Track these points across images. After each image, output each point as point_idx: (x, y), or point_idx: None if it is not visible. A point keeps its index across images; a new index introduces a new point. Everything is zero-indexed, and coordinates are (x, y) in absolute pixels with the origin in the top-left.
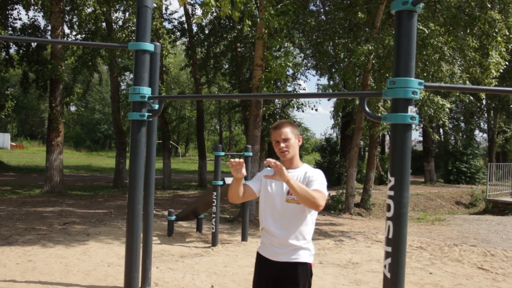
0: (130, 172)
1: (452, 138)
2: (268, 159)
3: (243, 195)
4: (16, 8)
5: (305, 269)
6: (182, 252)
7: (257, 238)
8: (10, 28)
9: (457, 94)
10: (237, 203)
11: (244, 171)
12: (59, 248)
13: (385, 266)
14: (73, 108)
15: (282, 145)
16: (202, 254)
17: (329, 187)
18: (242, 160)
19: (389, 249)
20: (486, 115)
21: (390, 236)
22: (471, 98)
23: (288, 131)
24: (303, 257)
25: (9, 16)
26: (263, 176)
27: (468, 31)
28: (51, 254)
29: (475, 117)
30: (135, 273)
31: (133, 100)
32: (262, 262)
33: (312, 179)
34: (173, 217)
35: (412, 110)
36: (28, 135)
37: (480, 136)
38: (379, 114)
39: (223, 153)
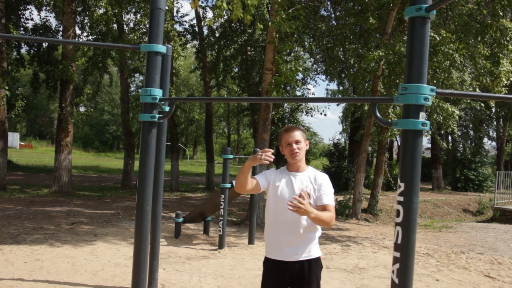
0: (139, 173)
1: (461, 145)
2: (294, 199)
3: (250, 187)
4: (28, 8)
5: (318, 263)
6: (189, 254)
7: (263, 242)
8: (22, 28)
9: (468, 101)
10: (242, 193)
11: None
12: (66, 247)
13: (393, 272)
14: (82, 109)
15: (294, 146)
16: (209, 256)
17: (337, 192)
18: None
19: (398, 254)
20: (495, 123)
21: (399, 241)
22: (482, 104)
23: (299, 134)
24: (314, 252)
25: (21, 16)
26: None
27: (479, 38)
28: (58, 253)
29: (484, 125)
30: (142, 274)
31: (144, 101)
32: (273, 265)
33: (323, 191)
34: (181, 219)
35: (423, 116)
36: (37, 135)
37: (488, 144)
38: (390, 120)
39: (231, 156)
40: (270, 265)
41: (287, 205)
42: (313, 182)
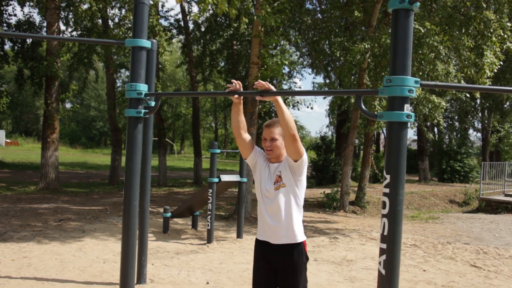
0: (126, 168)
1: (447, 137)
2: (257, 82)
3: (244, 136)
4: (11, 4)
5: (301, 247)
6: (177, 249)
7: (252, 235)
8: (5, 24)
9: (454, 92)
10: (238, 134)
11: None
12: (54, 244)
13: (380, 263)
14: (68, 105)
15: (268, 144)
16: (197, 251)
17: (324, 185)
18: (238, 82)
19: (384, 246)
20: (480, 115)
21: (385, 233)
22: (468, 95)
23: (276, 131)
24: (298, 237)
25: (4, 12)
26: (257, 155)
27: (463, 30)
28: (46, 250)
29: (469, 116)
30: (131, 269)
31: (129, 96)
32: (260, 246)
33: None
34: (169, 214)
35: (408, 108)
36: (23, 131)
37: (474, 135)
38: (375, 113)
39: (219, 151)
40: (256, 246)
41: (266, 188)
42: (286, 159)
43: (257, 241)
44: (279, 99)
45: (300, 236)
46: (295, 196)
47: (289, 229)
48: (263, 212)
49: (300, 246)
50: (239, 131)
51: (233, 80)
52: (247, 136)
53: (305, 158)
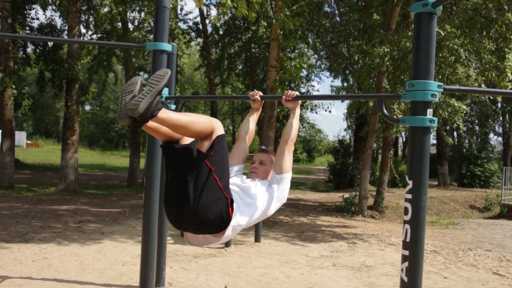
0: (146, 172)
1: (466, 141)
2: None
3: (242, 149)
4: (34, 8)
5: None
6: (195, 252)
7: (270, 239)
8: (27, 28)
9: (475, 95)
10: (242, 138)
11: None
12: (74, 246)
13: (402, 270)
14: (87, 107)
15: (255, 165)
16: (215, 254)
17: (342, 189)
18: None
19: (406, 252)
20: (501, 119)
21: (408, 239)
22: (491, 97)
23: (268, 159)
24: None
25: (27, 15)
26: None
27: (484, 33)
28: (66, 252)
29: (490, 120)
30: (150, 272)
31: None
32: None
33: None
34: None
35: (430, 113)
36: (43, 133)
37: (494, 140)
38: (395, 117)
39: None
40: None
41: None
42: (268, 181)
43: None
44: (298, 110)
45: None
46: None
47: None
48: None
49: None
50: (244, 136)
51: (255, 92)
52: (246, 147)
53: (288, 177)
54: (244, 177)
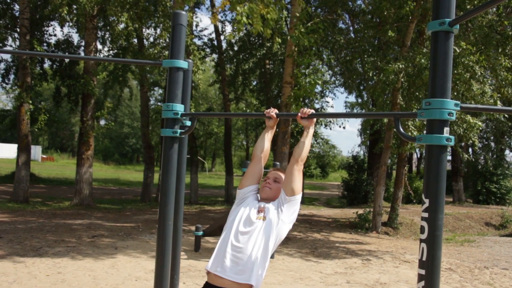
0: (161, 188)
1: (482, 157)
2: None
3: (257, 170)
4: (51, 25)
5: None
6: None
7: (284, 256)
8: (45, 44)
9: (491, 113)
10: (258, 158)
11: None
12: (87, 261)
13: None
14: (102, 122)
15: (270, 181)
16: None
17: (356, 205)
18: (275, 110)
19: (423, 271)
20: None
21: (424, 258)
22: (506, 116)
23: (283, 177)
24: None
25: (45, 32)
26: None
27: (500, 50)
28: (80, 266)
29: (505, 136)
30: None
31: (166, 116)
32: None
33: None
34: (201, 233)
35: (447, 132)
36: (58, 147)
37: (510, 156)
38: (410, 133)
39: None
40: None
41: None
42: (277, 202)
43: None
44: (312, 128)
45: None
46: (269, 236)
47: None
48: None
49: None
50: (260, 155)
51: (271, 110)
52: (261, 167)
53: (298, 198)
54: (256, 204)
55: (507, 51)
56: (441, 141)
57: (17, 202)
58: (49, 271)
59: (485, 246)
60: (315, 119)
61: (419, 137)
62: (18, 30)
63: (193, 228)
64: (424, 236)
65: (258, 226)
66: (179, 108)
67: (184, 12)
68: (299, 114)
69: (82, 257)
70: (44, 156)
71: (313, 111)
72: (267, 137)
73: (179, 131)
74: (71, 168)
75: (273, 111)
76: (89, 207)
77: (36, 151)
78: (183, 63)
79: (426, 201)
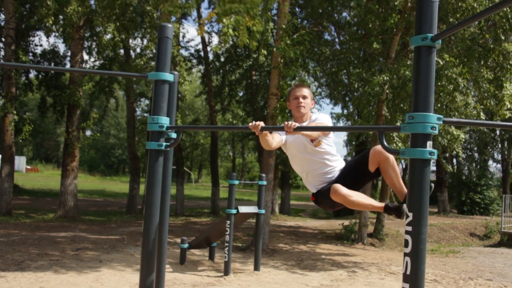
0: (146, 201)
1: (466, 168)
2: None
3: (275, 144)
4: (37, 35)
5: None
6: (194, 281)
7: (270, 268)
8: (31, 54)
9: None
10: (270, 148)
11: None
12: (71, 274)
13: None
14: (88, 133)
15: (301, 100)
16: (214, 283)
17: (342, 216)
18: (258, 123)
19: (407, 286)
20: (500, 146)
21: (408, 272)
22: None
23: (307, 91)
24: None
25: (31, 42)
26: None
27: (482, 62)
28: (63, 280)
29: (488, 147)
30: None
31: (151, 129)
32: None
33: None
34: (186, 245)
35: (430, 145)
36: (43, 158)
37: (494, 167)
38: (394, 144)
39: (237, 182)
40: None
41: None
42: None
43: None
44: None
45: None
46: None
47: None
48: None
49: None
50: (272, 147)
51: (256, 124)
52: (276, 140)
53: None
54: (306, 141)
55: (489, 63)
56: (424, 155)
57: (0, 214)
58: (31, 285)
59: (469, 257)
60: (300, 132)
61: (402, 151)
62: (3, 40)
63: (178, 240)
64: (408, 250)
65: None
66: (165, 121)
67: (170, 25)
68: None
69: (66, 271)
70: (28, 167)
71: (297, 124)
72: (265, 139)
73: (164, 144)
74: (56, 179)
75: (259, 127)
76: (73, 219)
77: (21, 162)
78: (169, 76)
79: (410, 214)
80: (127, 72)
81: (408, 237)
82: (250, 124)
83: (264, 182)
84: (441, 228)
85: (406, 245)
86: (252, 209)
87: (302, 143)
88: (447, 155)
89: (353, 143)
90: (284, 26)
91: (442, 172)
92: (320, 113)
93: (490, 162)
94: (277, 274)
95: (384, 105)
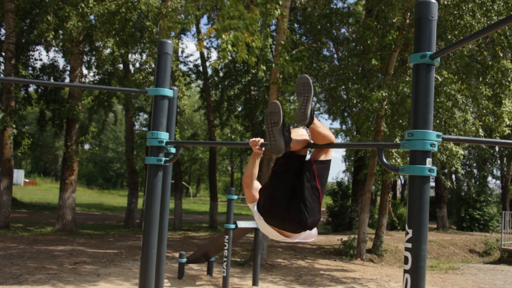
0: (145, 215)
1: (465, 184)
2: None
3: (256, 188)
4: (37, 49)
5: None
6: None
7: (268, 283)
8: (30, 68)
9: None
10: (250, 183)
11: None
12: None
13: None
14: (87, 146)
15: None
16: None
17: (340, 231)
18: (258, 139)
19: None
20: (499, 162)
21: None
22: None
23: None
24: None
25: (31, 56)
26: None
27: (481, 79)
28: None
29: (488, 163)
30: None
31: (150, 144)
32: None
33: None
34: (184, 260)
35: (429, 162)
36: (41, 171)
37: (493, 183)
38: (393, 160)
39: (236, 197)
40: None
41: None
42: None
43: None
44: None
45: None
46: None
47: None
48: None
49: None
50: (252, 181)
51: (256, 141)
52: (257, 184)
53: None
54: None
55: (487, 80)
56: (424, 172)
57: None
58: None
59: (469, 273)
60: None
61: (402, 168)
62: (3, 54)
63: (176, 255)
64: (408, 267)
65: None
66: (164, 136)
67: (169, 41)
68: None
69: (63, 285)
70: (26, 180)
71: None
72: (255, 163)
73: (163, 159)
74: (54, 192)
75: (259, 143)
76: (71, 233)
77: (19, 175)
78: (168, 91)
79: (410, 231)
80: (126, 87)
81: (408, 254)
82: (251, 140)
83: None
84: (440, 245)
85: (406, 262)
86: (251, 224)
87: None
88: (446, 171)
89: (352, 158)
90: (283, 42)
91: (441, 188)
92: None
93: (490, 178)
94: None
95: (383, 121)
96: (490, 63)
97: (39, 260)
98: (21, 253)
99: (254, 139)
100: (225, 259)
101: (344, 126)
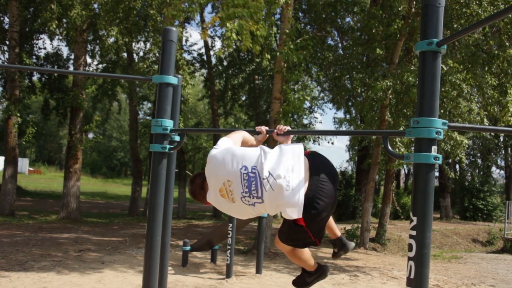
0: (149, 203)
1: (469, 174)
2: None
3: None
4: (41, 38)
5: None
6: (196, 283)
7: (272, 271)
8: (34, 57)
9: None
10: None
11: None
12: (74, 275)
13: None
14: (91, 135)
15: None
16: (216, 286)
17: (344, 220)
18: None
19: None
20: (503, 152)
21: (412, 276)
22: (492, 134)
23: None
24: None
25: (34, 45)
26: None
27: (486, 68)
28: (66, 281)
29: (492, 153)
30: None
31: (155, 132)
32: None
33: None
34: (188, 248)
35: (435, 150)
36: (45, 160)
37: (497, 173)
38: (397, 150)
39: None
40: None
41: None
42: None
43: None
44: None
45: None
46: None
47: None
48: None
49: None
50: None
51: (262, 128)
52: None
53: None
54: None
55: (493, 69)
56: (429, 160)
57: (3, 215)
58: (34, 285)
59: (472, 262)
60: (291, 136)
61: (407, 155)
62: (7, 43)
63: (180, 243)
64: (412, 254)
65: None
66: (168, 123)
67: (174, 29)
68: (275, 130)
69: (68, 272)
70: (31, 168)
71: (289, 128)
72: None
73: (168, 146)
74: (58, 181)
75: (264, 128)
76: (76, 221)
77: (23, 164)
78: (172, 79)
79: (414, 219)
80: (130, 75)
81: (412, 241)
82: (257, 127)
83: None
84: (443, 234)
85: (410, 249)
86: None
87: None
88: (450, 160)
89: (356, 148)
90: (287, 31)
91: (445, 178)
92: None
93: (494, 168)
94: (278, 277)
95: (387, 110)
96: (496, 52)
97: (44, 247)
98: (27, 241)
99: (260, 127)
100: (229, 247)
101: (348, 116)
